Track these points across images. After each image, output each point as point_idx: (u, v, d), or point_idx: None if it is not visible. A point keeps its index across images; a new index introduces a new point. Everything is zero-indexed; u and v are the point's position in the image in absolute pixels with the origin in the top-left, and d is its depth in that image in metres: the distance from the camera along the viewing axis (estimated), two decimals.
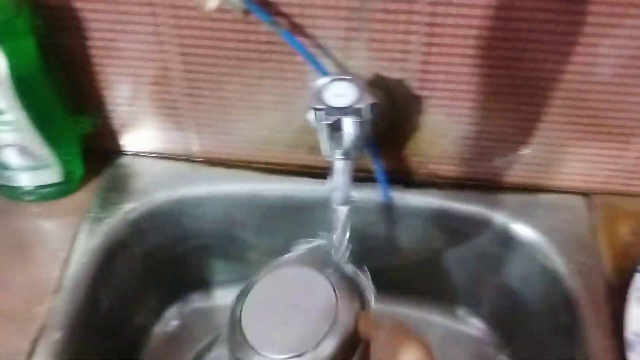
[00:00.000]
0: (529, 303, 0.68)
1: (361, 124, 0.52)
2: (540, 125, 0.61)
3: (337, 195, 0.58)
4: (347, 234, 0.60)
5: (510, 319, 0.72)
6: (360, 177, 0.67)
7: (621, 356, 0.55)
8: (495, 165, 0.66)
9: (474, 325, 0.76)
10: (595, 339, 0.56)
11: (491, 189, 0.68)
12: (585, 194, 0.67)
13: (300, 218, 0.71)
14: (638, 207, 0.66)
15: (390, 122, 0.63)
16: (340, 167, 0.56)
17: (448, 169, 0.68)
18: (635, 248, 0.62)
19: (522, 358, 0.71)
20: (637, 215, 0.65)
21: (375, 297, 0.51)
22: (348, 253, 0.59)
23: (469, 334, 0.75)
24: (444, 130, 0.64)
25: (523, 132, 0.62)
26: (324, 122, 0.53)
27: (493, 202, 0.67)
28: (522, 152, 0.64)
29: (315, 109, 0.54)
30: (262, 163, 0.70)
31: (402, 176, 0.68)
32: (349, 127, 0.53)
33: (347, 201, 0.58)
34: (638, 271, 0.58)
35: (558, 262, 0.62)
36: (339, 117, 0.52)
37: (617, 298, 0.58)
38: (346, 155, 0.55)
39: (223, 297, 0.78)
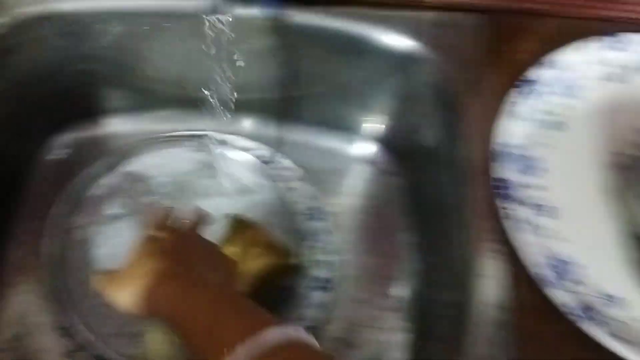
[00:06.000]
0: (419, 124, 0.67)
1: None
2: None
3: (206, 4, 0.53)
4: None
5: (401, 140, 0.72)
6: None
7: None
8: None
9: (368, 149, 0.75)
10: (472, 143, 0.56)
11: (387, 6, 0.63)
12: (484, 11, 0.63)
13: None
14: (537, 27, 0.63)
15: None
16: None
17: None
18: (526, 66, 0.60)
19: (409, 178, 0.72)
20: (535, 35, 0.62)
21: None
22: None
23: (363, 157, 0.75)
24: None
25: None
26: None
27: (386, 20, 0.63)
28: None
29: None
30: None
31: None
32: None
33: (215, 10, 0.53)
34: (515, 86, 0.57)
35: (450, 78, 0.60)
36: None
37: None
38: None
39: (115, 125, 0.75)
